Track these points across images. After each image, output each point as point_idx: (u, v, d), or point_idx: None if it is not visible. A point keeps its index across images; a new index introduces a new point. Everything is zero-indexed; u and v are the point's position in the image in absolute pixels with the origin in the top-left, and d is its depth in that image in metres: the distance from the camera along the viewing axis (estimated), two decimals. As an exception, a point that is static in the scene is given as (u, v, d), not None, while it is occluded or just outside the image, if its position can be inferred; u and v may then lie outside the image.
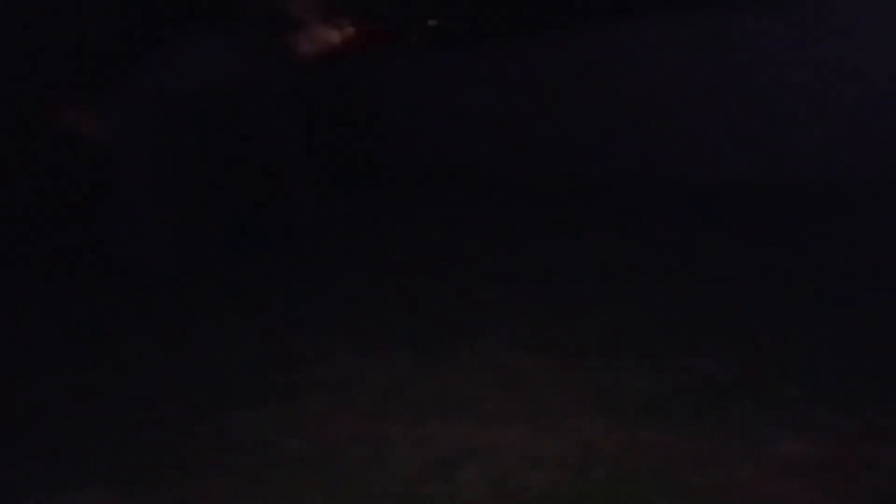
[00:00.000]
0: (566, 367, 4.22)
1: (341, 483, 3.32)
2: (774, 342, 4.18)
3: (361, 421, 3.89)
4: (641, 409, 3.59)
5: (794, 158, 7.85)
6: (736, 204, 7.33)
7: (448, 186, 10.15)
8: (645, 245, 6.44)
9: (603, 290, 5.41)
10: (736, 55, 8.10)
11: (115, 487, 3.44)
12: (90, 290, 7.17)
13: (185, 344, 5.33)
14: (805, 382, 3.66)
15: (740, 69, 8.08)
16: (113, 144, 7.54)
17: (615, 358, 4.22)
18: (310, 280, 6.76)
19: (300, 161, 8.79)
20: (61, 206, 8.20)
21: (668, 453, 3.19)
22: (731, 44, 8.11)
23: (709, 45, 8.26)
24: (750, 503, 2.84)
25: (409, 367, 4.48)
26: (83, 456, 3.77)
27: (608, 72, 9.09)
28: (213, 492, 3.32)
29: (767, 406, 3.47)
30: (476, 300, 5.55)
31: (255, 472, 3.46)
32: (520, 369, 4.27)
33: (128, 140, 7.49)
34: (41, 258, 8.29)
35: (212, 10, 9.78)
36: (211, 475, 3.46)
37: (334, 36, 12.39)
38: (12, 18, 8.67)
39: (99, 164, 7.70)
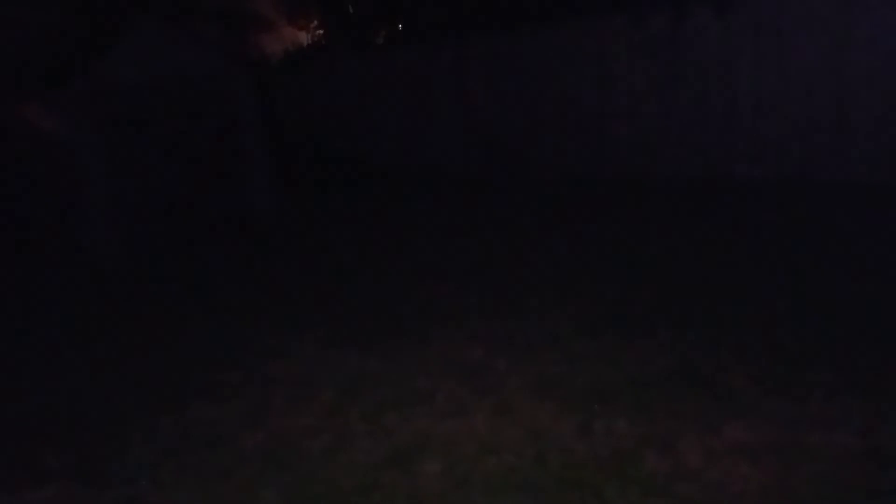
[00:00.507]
0: (521, 359, 4.30)
1: (300, 476, 3.34)
2: (721, 333, 4.32)
3: (320, 415, 3.91)
4: (593, 398, 3.69)
5: (740, 155, 8.09)
6: (685, 199, 7.56)
7: (406, 183, 10.20)
8: (597, 240, 6.59)
9: (556, 284, 5.53)
10: (685, 54, 8.30)
11: (71, 484, 3.41)
12: (46, 285, 7.04)
13: (142, 340, 5.28)
14: (750, 371, 3.81)
15: (688, 68, 8.29)
16: (69, 139, 7.42)
17: (569, 350, 4.32)
18: (268, 275, 6.74)
19: (258, 157, 8.74)
20: (16, 202, 8.03)
21: (619, 441, 3.29)
22: (681, 43, 8.31)
23: (659, 44, 8.45)
24: (697, 488, 2.94)
25: (368, 362, 4.51)
26: (39, 453, 3.72)
27: (561, 70, 9.23)
28: (172, 486, 3.32)
29: (715, 394, 3.60)
30: (432, 296, 5.60)
31: (214, 466, 3.46)
32: (476, 362, 4.33)
33: (84, 135, 7.38)
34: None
35: (169, 6, 9.67)
36: (170, 470, 3.45)
37: (300, 34, 12.37)
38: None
39: (55, 159, 7.57)
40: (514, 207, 8.24)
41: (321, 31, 12.26)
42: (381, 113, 11.14)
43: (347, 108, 11.39)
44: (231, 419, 3.92)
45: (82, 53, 7.70)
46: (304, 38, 12.43)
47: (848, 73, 7.32)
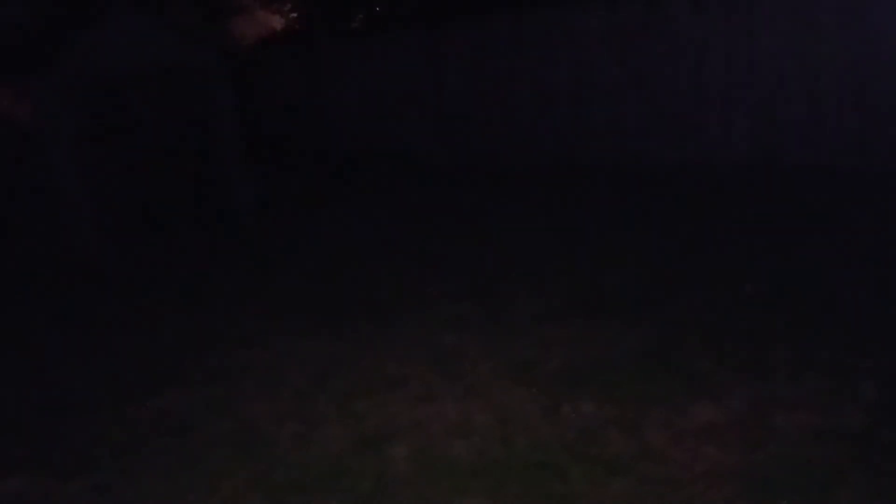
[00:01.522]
0: (491, 344, 4.32)
1: (271, 461, 3.35)
2: (689, 316, 4.36)
3: (291, 401, 3.91)
4: (562, 382, 3.72)
5: (716, 142, 8.16)
6: (661, 186, 7.61)
7: (381, 171, 10.17)
8: (569, 225, 6.63)
9: (528, 270, 5.55)
10: (661, 43, 8.34)
11: (42, 473, 3.39)
12: (21, 279, 6.95)
13: (115, 330, 5.24)
14: (714, 353, 3.85)
15: (665, 57, 8.32)
16: (40, 130, 7.30)
17: (539, 334, 4.35)
18: (241, 265, 6.70)
19: (235, 146, 8.66)
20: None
21: (585, 423, 3.32)
22: (658, 32, 8.34)
23: (636, 33, 8.48)
24: (662, 468, 2.97)
25: (339, 349, 4.51)
26: (8, 443, 3.70)
27: (537, 58, 9.23)
28: (144, 473, 3.31)
29: (681, 376, 3.64)
30: (403, 283, 5.61)
31: (185, 453, 3.46)
32: (446, 348, 4.35)
33: (56, 125, 7.26)
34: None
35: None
36: (142, 456, 3.45)
37: (274, 18, 12.24)
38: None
39: (26, 151, 7.45)
40: (488, 194, 8.24)
41: (295, 15, 12.15)
42: (355, 100, 11.08)
43: (321, 95, 11.32)
44: (201, 407, 3.91)
45: (54, 40, 7.56)
46: (278, 22, 12.30)
47: (814, 61, 7.40)
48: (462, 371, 4.01)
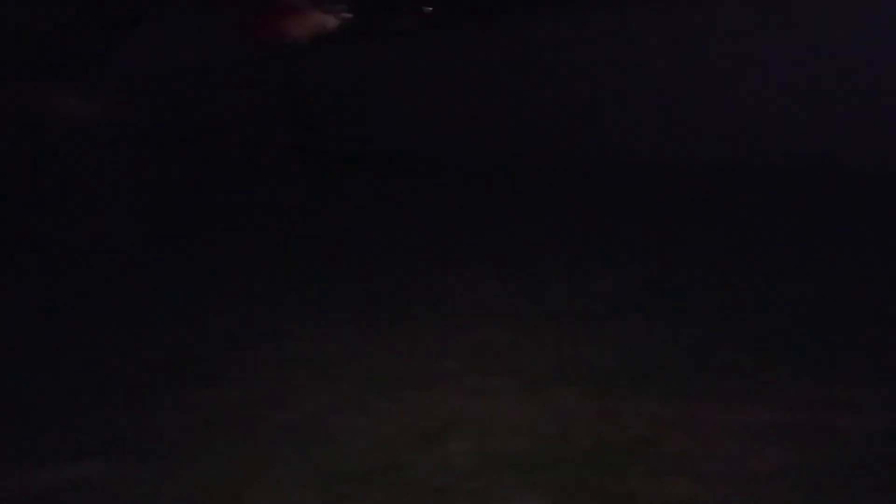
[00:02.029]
0: (542, 340, 4.35)
1: (329, 452, 3.41)
2: (744, 314, 4.35)
3: (347, 394, 3.98)
4: (619, 380, 3.74)
5: (754, 142, 8.08)
6: (697, 184, 7.56)
7: (412, 170, 10.21)
8: (618, 225, 6.62)
9: (567, 266, 5.58)
10: (700, 42, 8.27)
11: (106, 459, 3.51)
12: (69, 272, 7.14)
13: (166, 321, 5.38)
14: (774, 353, 3.83)
15: (714, 54, 8.25)
16: (90, 126, 7.50)
17: (591, 332, 4.37)
18: (285, 257, 6.81)
19: (281, 143, 8.83)
20: (35, 189, 8.14)
21: (645, 422, 3.32)
22: (699, 31, 8.28)
23: (678, 32, 8.42)
24: (721, 467, 2.98)
25: (390, 344, 4.58)
26: (73, 429, 3.84)
27: (569, 57, 9.22)
28: (209, 460, 3.41)
29: (739, 376, 3.63)
30: (444, 278, 5.66)
31: (242, 443, 3.55)
32: (499, 345, 4.38)
33: (105, 122, 7.46)
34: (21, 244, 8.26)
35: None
36: (206, 444, 3.55)
37: (328, 18, 12.35)
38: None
39: (75, 146, 7.65)
40: (538, 194, 8.25)
41: (348, 15, 12.24)
42: (402, 100, 11.12)
43: (371, 94, 11.40)
44: (256, 397, 4.00)
45: (107, 39, 7.76)
46: (331, 22, 12.41)
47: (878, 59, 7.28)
48: (516, 368, 4.05)
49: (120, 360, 4.75)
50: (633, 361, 3.92)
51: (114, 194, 7.57)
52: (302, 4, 12.21)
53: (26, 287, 6.75)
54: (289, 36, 11.98)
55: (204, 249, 7.35)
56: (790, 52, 7.78)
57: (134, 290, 6.29)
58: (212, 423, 3.75)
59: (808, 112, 7.73)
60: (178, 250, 7.37)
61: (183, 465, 3.41)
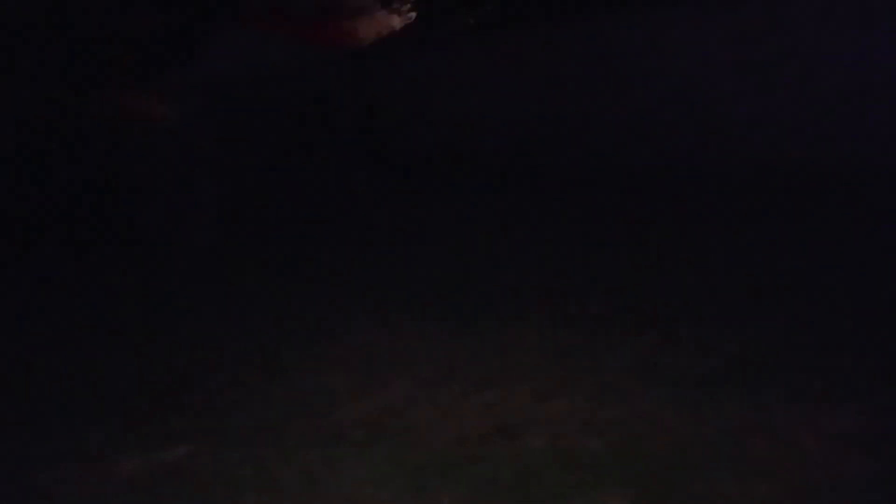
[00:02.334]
0: (616, 341, 4.34)
1: (407, 444, 3.48)
2: (824, 316, 4.26)
3: (422, 388, 4.04)
4: (696, 382, 3.71)
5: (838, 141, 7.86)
6: (763, 187, 7.39)
7: (492, 171, 10.24)
8: (676, 225, 6.54)
9: (651, 268, 5.52)
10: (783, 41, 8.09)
11: (203, 444, 3.65)
12: (151, 263, 7.43)
13: (247, 314, 5.55)
14: (857, 356, 3.75)
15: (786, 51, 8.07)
16: (171, 129, 7.83)
17: (664, 332, 4.33)
18: (361, 253, 6.93)
19: (349, 142, 9.03)
20: (124, 186, 8.52)
21: (726, 424, 3.30)
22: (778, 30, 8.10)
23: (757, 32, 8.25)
24: (809, 473, 2.94)
25: (460, 340, 4.62)
26: (162, 416, 4.00)
27: (639, 60, 9.12)
28: (294, 448, 3.52)
29: (822, 379, 3.56)
30: (516, 278, 5.68)
31: (326, 432, 3.64)
32: (571, 343, 4.39)
33: (189, 121, 7.77)
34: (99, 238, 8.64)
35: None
36: (290, 433, 3.66)
37: (394, 19, 12.48)
38: (79, 7, 8.97)
39: (160, 147, 7.99)
40: (610, 195, 8.17)
41: (414, 15, 12.34)
42: (467, 98, 11.17)
43: (435, 93, 11.47)
44: (338, 389, 4.10)
45: (190, 43, 8.05)
46: (397, 22, 12.54)
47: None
48: (591, 367, 4.05)
49: (204, 350, 4.93)
50: (710, 363, 3.88)
51: (195, 192, 7.88)
52: (369, 6, 12.34)
53: (115, 280, 7.04)
54: (356, 39, 12.14)
55: (280, 246, 7.55)
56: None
57: (216, 285, 6.49)
58: (294, 413, 3.86)
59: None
60: (256, 247, 7.59)
61: (265, 452, 3.52)
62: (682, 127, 9.02)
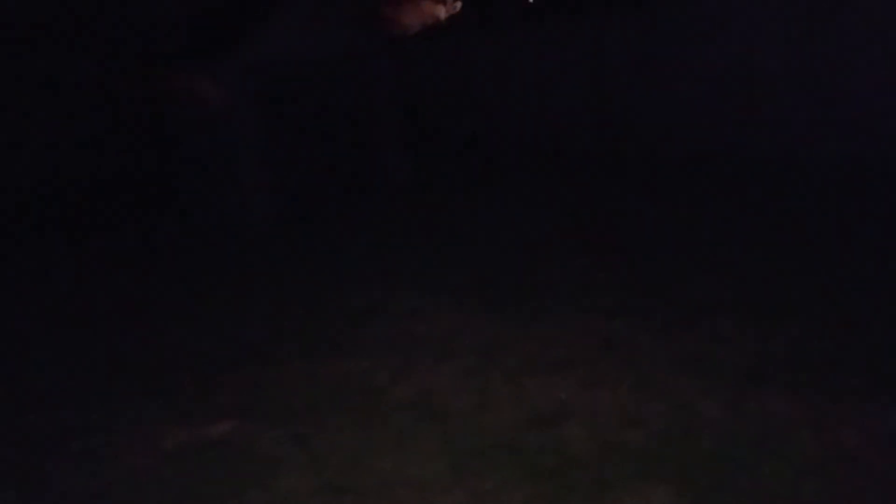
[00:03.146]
0: (661, 332, 4.30)
1: (449, 429, 3.50)
2: (870, 316, 4.18)
3: (463, 375, 4.06)
4: (742, 377, 3.67)
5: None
6: (828, 182, 7.25)
7: (533, 160, 10.21)
8: (732, 217, 6.46)
9: (690, 261, 5.47)
10: (844, 28, 7.90)
11: (247, 420, 3.72)
12: (200, 243, 7.56)
13: (298, 294, 5.62)
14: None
15: (847, 44, 7.89)
16: (226, 109, 7.94)
17: (708, 325, 4.30)
18: (404, 240, 6.96)
19: (393, 129, 9.07)
20: (181, 168, 8.71)
21: (770, 420, 3.26)
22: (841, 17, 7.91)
23: (815, 19, 8.07)
24: (856, 472, 2.89)
25: (503, 328, 4.62)
26: (210, 392, 4.08)
27: (703, 46, 8.97)
28: (338, 428, 3.57)
29: (868, 377, 3.50)
30: (562, 267, 5.65)
31: (369, 413, 3.68)
32: (615, 334, 4.37)
33: (237, 105, 7.87)
34: (158, 214, 8.83)
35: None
36: (334, 413, 3.71)
37: (439, 8, 12.53)
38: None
39: (211, 128, 8.11)
40: (650, 185, 8.11)
41: (459, 5, 12.36)
42: (512, 89, 11.14)
43: (476, 83, 11.46)
44: (382, 371, 4.13)
45: (239, 29, 8.15)
46: (442, 11, 12.59)
47: None
48: (632, 359, 4.03)
49: (254, 329, 5.01)
50: (755, 359, 3.84)
51: (247, 174, 7.99)
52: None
53: (165, 258, 7.18)
54: (402, 25, 12.20)
55: (324, 231, 7.62)
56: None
57: (262, 267, 6.58)
58: (336, 394, 3.91)
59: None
60: (301, 231, 7.68)
61: (310, 431, 3.57)
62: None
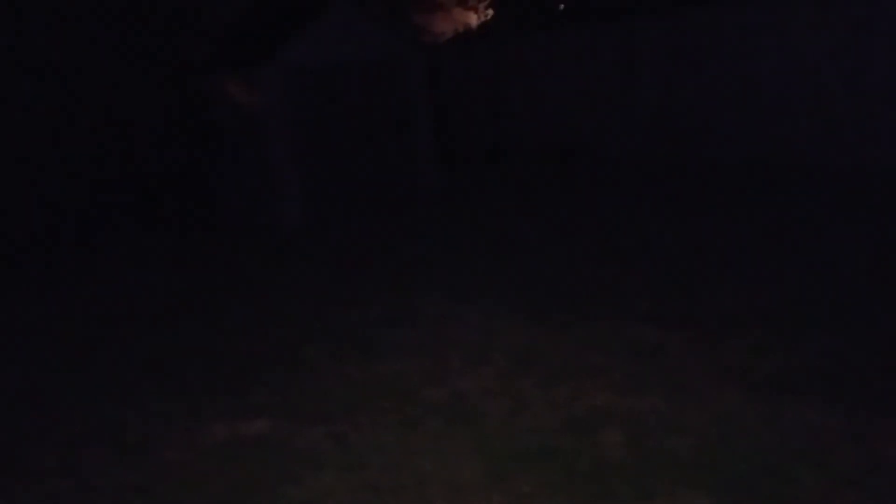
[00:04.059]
0: (696, 340, 4.28)
1: (484, 432, 3.51)
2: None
3: (497, 379, 4.07)
4: (778, 386, 3.64)
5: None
6: (854, 189, 7.19)
7: (568, 164, 10.23)
8: (767, 225, 6.42)
9: (726, 268, 5.45)
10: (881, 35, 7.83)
11: (283, 418, 3.76)
12: (236, 244, 7.66)
13: (331, 295, 5.68)
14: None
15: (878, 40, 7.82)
16: (261, 111, 8.08)
17: (742, 333, 4.27)
18: (434, 244, 7.00)
19: (424, 135, 9.14)
20: (208, 167, 8.87)
21: (809, 431, 3.23)
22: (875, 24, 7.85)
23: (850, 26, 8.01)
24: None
25: (538, 333, 4.63)
26: (247, 391, 4.14)
27: (737, 53, 8.93)
28: (373, 428, 3.60)
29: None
30: (597, 274, 5.65)
31: (407, 415, 3.70)
32: (650, 341, 4.35)
33: (274, 108, 8.01)
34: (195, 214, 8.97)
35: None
36: (369, 413, 3.74)
37: (470, 15, 12.65)
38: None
39: (248, 131, 8.26)
40: (686, 191, 8.08)
41: (491, 12, 12.46)
42: (543, 95, 11.16)
43: (508, 90, 11.50)
44: (415, 375, 4.16)
45: (277, 34, 8.29)
46: (473, 18, 12.70)
47: None
48: (667, 365, 4.02)
49: (287, 329, 5.07)
50: (794, 370, 3.81)
51: (281, 177, 8.12)
52: (447, 1, 12.51)
53: (202, 258, 7.29)
54: (434, 32, 12.30)
55: (361, 232, 7.69)
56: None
57: (296, 268, 6.66)
58: (370, 394, 3.94)
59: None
60: (338, 232, 7.76)
61: (344, 429, 3.61)
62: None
